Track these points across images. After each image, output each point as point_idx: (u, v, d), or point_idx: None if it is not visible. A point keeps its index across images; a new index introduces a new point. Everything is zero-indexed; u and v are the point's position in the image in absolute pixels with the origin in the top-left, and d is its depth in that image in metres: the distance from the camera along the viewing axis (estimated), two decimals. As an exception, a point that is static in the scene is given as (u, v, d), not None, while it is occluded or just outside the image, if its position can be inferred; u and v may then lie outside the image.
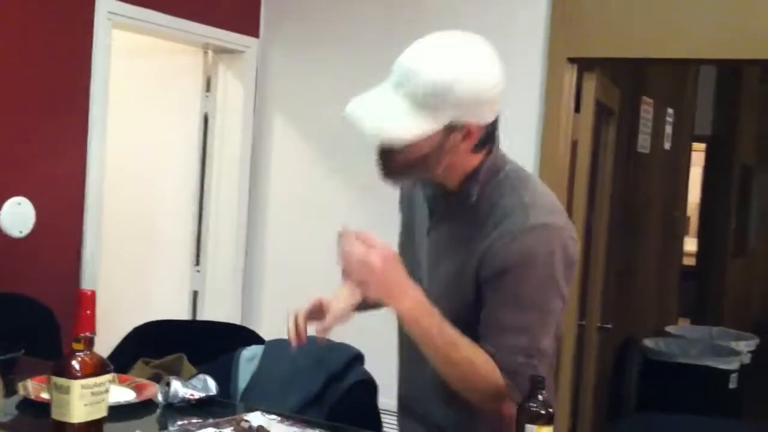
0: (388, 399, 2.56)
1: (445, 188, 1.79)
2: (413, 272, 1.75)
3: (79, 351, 1.73)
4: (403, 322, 1.70)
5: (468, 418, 1.80)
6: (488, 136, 1.74)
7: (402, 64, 1.73)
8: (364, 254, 1.65)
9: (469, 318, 1.71)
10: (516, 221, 1.68)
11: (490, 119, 1.73)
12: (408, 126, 1.66)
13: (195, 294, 4.08)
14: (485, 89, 1.68)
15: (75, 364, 1.71)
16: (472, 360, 1.67)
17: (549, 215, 1.71)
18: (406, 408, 1.98)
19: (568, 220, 1.76)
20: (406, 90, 1.68)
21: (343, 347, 2.45)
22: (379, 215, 2.16)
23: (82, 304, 1.72)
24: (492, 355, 1.67)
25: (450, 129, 1.68)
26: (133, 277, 4.02)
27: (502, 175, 1.77)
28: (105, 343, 2.58)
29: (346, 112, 1.72)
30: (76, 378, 1.71)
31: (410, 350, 1.79)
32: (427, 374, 1.77)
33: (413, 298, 1.68)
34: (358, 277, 1.67)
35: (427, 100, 1.65)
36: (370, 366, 2.49)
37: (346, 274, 1.71)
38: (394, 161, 1.72)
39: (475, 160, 1.76)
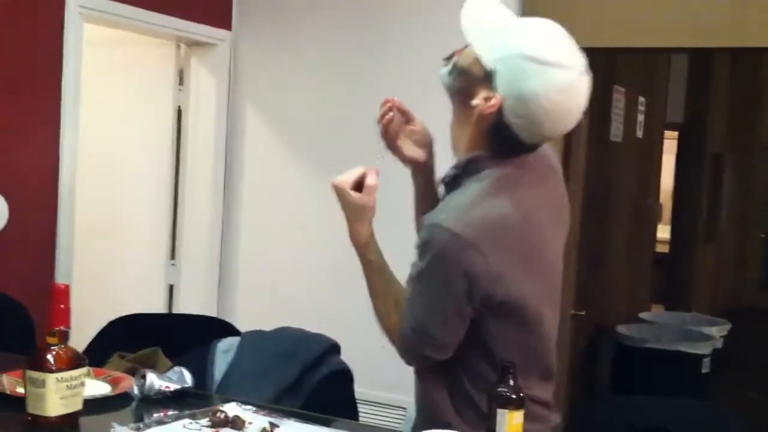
0: (363, 388, 2.59)
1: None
2: None
3: (54, 345, 1.73)
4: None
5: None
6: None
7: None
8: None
9: None
10: (434, 214, 1.78)
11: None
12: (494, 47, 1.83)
13: (171, 287, 4.08)
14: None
15: (50, 357, 1.72)
16: (384, 313, 1.87)
17: (460, 224, 1.72)
18: None
19: (489, 241, 1.73)
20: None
21: (318, 337, 2.47)
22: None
23: (56, 298, 1.73)
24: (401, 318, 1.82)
25: (492, 91, 1.79)
26: (107, 271, 4.01)
27: (480, 174, 1.81)
28: (80, 338, 2.59)
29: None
30: (51, 372, 1.71)
31: None
32: None
33: (358, 237, 1.88)
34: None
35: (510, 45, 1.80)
36: (345, 356, 2.51)
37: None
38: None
39: (473, 142, 1.83)
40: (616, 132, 5.16)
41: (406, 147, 1.98)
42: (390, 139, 1.97)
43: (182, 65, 4.03)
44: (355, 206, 1.89)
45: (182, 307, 4.02)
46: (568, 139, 3.85)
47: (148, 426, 1.79)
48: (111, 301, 3.73)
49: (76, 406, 1.78)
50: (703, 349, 5.23)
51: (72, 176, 3.37)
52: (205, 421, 1.84)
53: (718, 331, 5.63)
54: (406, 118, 1.98)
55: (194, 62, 4.02)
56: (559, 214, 1.97)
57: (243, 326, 2.81)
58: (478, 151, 1.82)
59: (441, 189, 1.93)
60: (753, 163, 9.40)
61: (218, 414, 1.85)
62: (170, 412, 1.87)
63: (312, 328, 2.55)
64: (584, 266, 4.49)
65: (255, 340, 2.40)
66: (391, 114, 1.95)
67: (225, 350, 2.36)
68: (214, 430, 1.80)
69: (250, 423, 1.84)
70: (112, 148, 4.03)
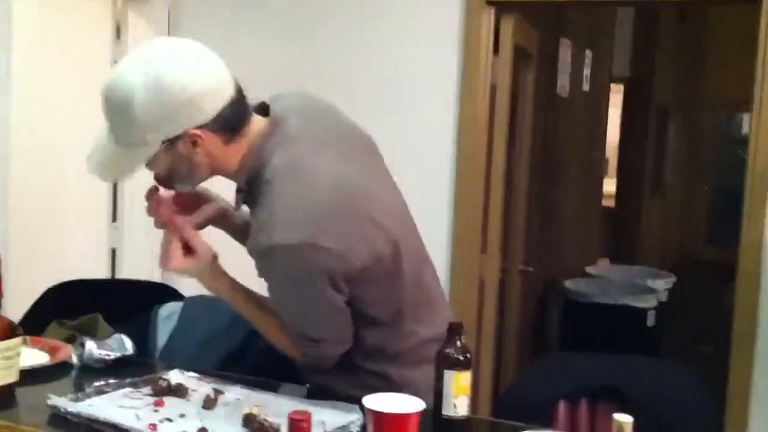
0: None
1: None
2: None
3: (-15, 315, 1.67)
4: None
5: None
6: (226, 128, 1.70)
7: (101, 103, 1.70)
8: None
9: None
10: (254, 241, 1.69)
11: (210, 115, 1.66)
12: (125, 166, 1.72)
13: (113, 251, 3.99)
14: (175, 94, 1.62)
15: (-20, 329, 1.66)
16: (275, 336, 1.86)
17: (282, 234, 1.64)
18: None
19: (318, 229, 1.64)
20: (112, 132, 1.70)
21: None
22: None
23: (-14, 268, 1.67)
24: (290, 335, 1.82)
25: (171, 143, 1.68)
26: (47, 235, 3.89)
27: (264, 179, 1.71)
28: (19, 305, 2.51)
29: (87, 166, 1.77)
30: (-18, 343, 1.66)
31: None
32: None
33: (217, 292, 1.87)
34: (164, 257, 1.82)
35: (123, 136, 1.67)
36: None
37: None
38: (156, 177, 1.78)
39: (238, 152, 1.73)
40: (563, 86, 5.15)
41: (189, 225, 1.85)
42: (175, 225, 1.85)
43: (119, 18, 3.90)
44: (202, 270, 1.82)
45: (126, 271, 3.93)
46: (515, 93, 3.82)
47: (88, 396, 1.75)
48: (51, 267, 3.61)
49: (12, 377, 1.75)
50: (648, 302, 5.31)
51: (5, 136, 3.26)
52: (147, 390, 1.80)
53: (663, 284, 5.71)
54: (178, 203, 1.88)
55: (132, 15, 3.89)
56: (356, 147, 1.86)
57: (188, 291, 2.74)
58: (239, 154, 1.73)
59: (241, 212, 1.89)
60: (699, 116, 9.50)
61: (160, 382, 1.81)
62: (111, 381, 1.83)
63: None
64: (532, 222, 4.50)
65: (198, 305, 2.34)
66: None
67: (167, 316, 2.30)
68: (156, 398, 1.77)
69: (193, 390, 1.81)
70: (48, 107, 3.89)
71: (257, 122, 1.76)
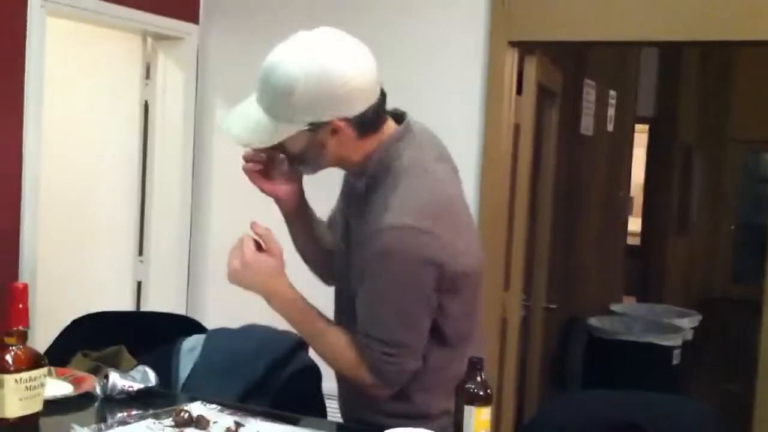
0: (331, 384, 2.57)
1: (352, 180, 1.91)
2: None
3: (12, 345, 1.71)
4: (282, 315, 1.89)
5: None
6: (366, 125, 1.80)
7: (258, 77, 1.82)
8: (242, 257, 1.87)
9: None
10: (378, 221, 1.76)
11: (357, 111, 1.77)
12: (265, 136, 1.80)
13: (139, 284, 4.04)
14: (336, 86, 1.72)
15: (8, 358, 1.70)
16: (336, 356, 1.87)
17: (408, 216, 1.73)
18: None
19: (438, 221, 1.76)
20: (261, 103, 1.79)
21: (285, 334, 2.44)
22: (324, 199, 2.16)
23: (15, 298, 1.71)
24: (362, 349, 1.82)
25: (315, 128, 1.77)
26: (74, 268, 3.95)
27: (393, 170, 1.81)
28: (45, 336, 2.55)
29: (218, 124, 1.82)
30: (9, 372, 1.69)
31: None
32: None
33: (281, 296, 1.88)
34: (233, 271, 1.89)
35: (275, 111, 1.77)
36: (313, 352, 2.49)
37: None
38: (287, 156, 1.87)
39: (366, 148, 1.83)
40: (587, 126, 5.17)
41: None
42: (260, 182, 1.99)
43: (149, 59, 3.98)
44: (275, 269, 1.88)
45: (151, 304, 3.98)
46: (538, 132, 3.85)
47: (110, 427, 1.77)
48: (77, 299, 3.68)
49: (36, 407, 1.76)
50: (674, 340, 5.27)
51: (36, 172, 3.31)
52: (168, 421, 1.82)
53: (688, 322, 5.67)
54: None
55: (161, 56, 3.97)
56: (453, 168, 1.99)
57: (212, 324, 2.78)
58: (367, 149, 1.83)
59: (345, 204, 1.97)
60: (723, 155, 9.47)
61: (182, 413, 1.83)
62: (133, 412, 1.86)
63: (281, 324, 2.52)
64: (556, 259, 4.50)
65: (221, 337, 2.37)
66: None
67: (190, 348, 2.33)
68: (177, 430, 1.78)
69: (214, 422, 1.83)
70: (78, 143, 3.97)
71: (390, 125, 1.87)
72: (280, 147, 1.85)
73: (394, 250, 1.74)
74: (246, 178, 1.99)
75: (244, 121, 1.81)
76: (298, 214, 2.04)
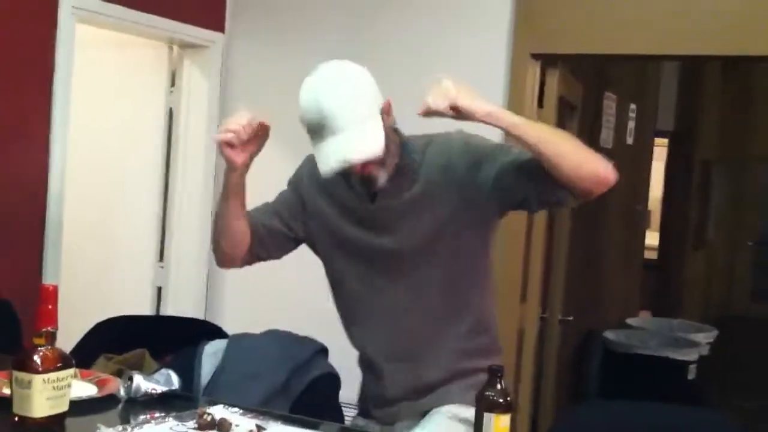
0: (351, 392, 2.59)
1: (371, 181, 2.04)
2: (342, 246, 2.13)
3: (41, 346, 1.73)
4: (500, 119, 1.95)
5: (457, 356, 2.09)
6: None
7: (320, 112, 1.98)
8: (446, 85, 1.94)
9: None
10: (452, 139, 2.09)
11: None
12: (368, 138, 1.95)
13: (159, 289, 4.07)
14: (372, 80, 2.04)
15: (36, 358, 1.72)
16: (565, 133, 2.11)
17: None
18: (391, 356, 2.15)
19: None
20: (341, 123, 1.94)
21: (307, 341, 2.47)
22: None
23: (44, 299, 1.73)
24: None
25: (381, 113, 2.00)
26: (96, 272, 4.00)
27: (414, 141, 2.10)
28: (68, 339, 2.58)
29: (323, 170, 1.99)
30: (37, 372, 1.71)
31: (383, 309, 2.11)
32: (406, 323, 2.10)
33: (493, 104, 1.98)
34: (448, 100, 1.92)
35: (360, 116, 1.95)
36: (333, 360, 2.52)
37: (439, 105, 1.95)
38: (372, 173, 2.01)
39: (395, 140, 2.05)
40: (607, 138, 5.17)
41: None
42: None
43: (174, 67, 4.02)
44: None
45: (170, 309, 4.01)
46: (559, 145, 3.86)
47: (134, 428, 1.79)
48: (99, 303, 3.72)
49: (63, 407, 1.79)
50: (690, 355, 5.25)
51: (62, 177, 3.36)
52: (191, 424, 1.84)
53: (704, 337, 5.65)
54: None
55: (186, 64, 4.02)
56: None
57: (231, 329, 2.81)
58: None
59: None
60: (743, 171, 9.43)
61: (204, 416, 1.85)
62: (156, 414, 1.88)
63: (300, 331, 2.55)
64: (573, 272, 4.50)
65: (243, 342, 2.40)
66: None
67: (212, 353, 2.36)
68: (200, 432, 1.81)
69: (236, 426, 1.85)
70: (102, 149, 4.02)
71: None
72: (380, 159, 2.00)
73: (478, 139, 2.08)
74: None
75: (343, 147, 1.95)
76: (241, 187, 2.22)
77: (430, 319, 2.09)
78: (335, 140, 1.94)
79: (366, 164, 1.98)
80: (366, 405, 2.24)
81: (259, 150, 2.18)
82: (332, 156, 1.95)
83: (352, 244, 2.13)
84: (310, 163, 2.19)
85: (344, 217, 2.15)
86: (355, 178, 2.05)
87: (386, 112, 2.00)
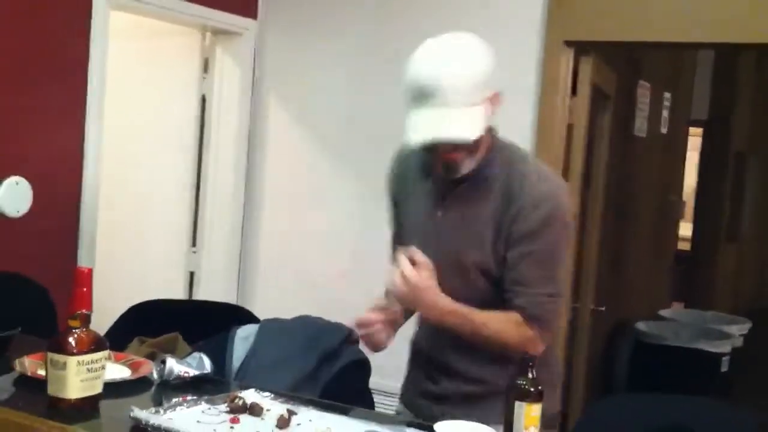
0: (380, 379, 2.60)
1: (451, 168, 1.98)
2: (424, 245, 1.99)
3: (76, 328, 1.75)
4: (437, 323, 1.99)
5: (480, 363, 2.05)
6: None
7: (434, 80, 1.88)
8: (410, 276, 1.92)
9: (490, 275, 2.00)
10: (534, 189, 1.95)
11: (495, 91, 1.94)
12: (469, 126, 1.90)
13: (191, 274, 4.10)
14: (491, 61, 1.94)
15: (71, 340, 1.74)
16: (501, 330, 1.97)
17: (555, 181, 2.02)
18: (419, 357, 2.18)
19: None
20: (445, 98, 1.87)
21: (337, 327, 2.48)
22: (373, 196, 2.20)
23: (79, 282, 1.75)
24: (521, 309, 1.96)
25: (486, 103, 1.92)
26: (130, 257, 4.04)
27: (507, 150, 2.03)
28: (102, 322, 2.60)
29: (412, 141, 1.92)
30: (72, 354, 1.73)
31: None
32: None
33: (441, 308, 1.96)
34: (400, 292, 1.94)
35: (463, 97, 1.88)
36: (363, 346, 2.52)
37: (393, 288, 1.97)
38: (458, 161, 1.96)
39: (488, 136, 1.99)
40: (641, 127, 5.13)
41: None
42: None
43: (207, 54, 4.04)
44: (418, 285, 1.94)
45: (202, 293, 4.04)
46: (591, 133, 3.84)
47: (167, 410, 1.81)
48: (132, 287, 3.75)
49: (97, 389, 1.81)
50: (723, 347, 5.20)
51: (96, 162, 3.40)
52: (223, 407, 1.86)
53: (738, 329, 5.59)
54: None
55: (219, 51, 4.03)
56: None
57: (263, 314, 2.82)
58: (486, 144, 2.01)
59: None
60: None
61: (236, 400, 1.86)
62: (189, 397, 1.89)
63: (331, 317, 2.56)
64: (604, 262, 4.47)
65: (274, 328, 2.41)
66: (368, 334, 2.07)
67: (244, 337, 2.37)
68: (232, 415, 1.82)
69: (268, 410, 1.86)
70: (136, 135, 4.05)
71: None
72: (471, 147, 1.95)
73: (558, 213, 1.96)
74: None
75: (440, 122, 1.89)
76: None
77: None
78: (437, 113, 1.87)
79: (455, 148, 1.93)
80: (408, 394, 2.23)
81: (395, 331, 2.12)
82: (428, 127, 1.89)
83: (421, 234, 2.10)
84: (397, 161, 2.18)
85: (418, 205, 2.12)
86: (438, 162, 2.00)
87: (493, 103, 1.93)
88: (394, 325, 2.10)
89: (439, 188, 2.06)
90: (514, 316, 1.96)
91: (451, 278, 1.98)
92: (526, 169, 1.99)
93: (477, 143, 1.94)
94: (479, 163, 1.98)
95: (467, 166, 1.98)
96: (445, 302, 1.96)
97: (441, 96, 1.87)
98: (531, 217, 1.94)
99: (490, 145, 2.00)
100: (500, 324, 1.97)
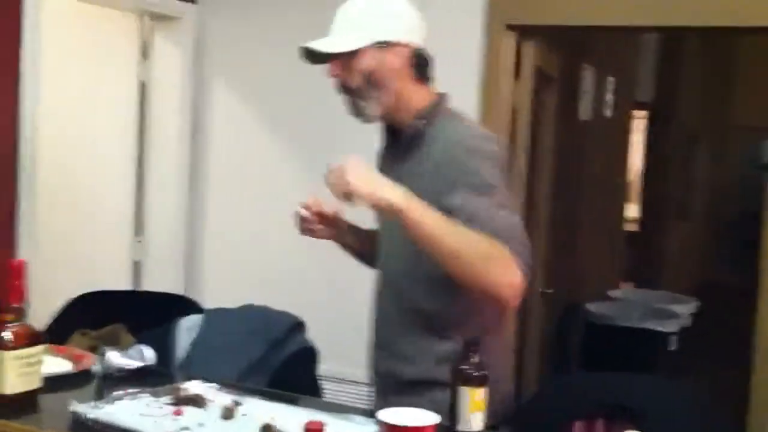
0: (328, 366, 2.59)
1: (397, 129, 2.02)
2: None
3: (10, 322, 1.72)
4: (402, 212, 1.78)
5: (430, 343, 1.99)
6: (421, 68, 2.01)
7: (335, 15, 2.02)
8: (339, 171, 1.80)
9: None
10: (468, 140, 1.94)
11: (416, 42, 2.00)
12: (343, 42, 1.97)
13: (136, 264, 4.04)
14: (402, 9, 2.00)
15: (6, 335, 1.71)
16: (476, 240, 1.79)
17: (489, 134, 2.01)
18: (377, 343, 2.11)
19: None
20: (339, 28, 2.00)
21: (284, 315, 2.46)
22: (322, 179, 2.17)
23: (11, 275, 1.71)
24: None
25: (384, 46, 1.96)
26: (72, 247, 3.96)
27: (449, 114, 2.02)
28: (44, 314, 2.56)
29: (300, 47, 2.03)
30: (7, 349, 1.71)
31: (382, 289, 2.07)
32: (394, 310, 2.03)
33: (399, 191, 1.80)
34: (341, 189, 1.80)
35: (354, 28, 1.97)
36: (311, 334, 2.50)
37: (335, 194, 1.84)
38: (353, 90, 1.98)
39: (420, 98, 2.00)
40: (585, 110, 5.16)
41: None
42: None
43: (145, 38, 3.97)
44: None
45: (148, 284, 3.99)
46: (536, 117, 3.85)
47: (108, 403, 1.77)
48: (76, 278, 3.67)
49: (35, 383, 1.78)
50: (670, 326, 5.28)
51: (32, 150, 3.31)
52: (166, 399, 1.83)
53: (686, 308, 5.68)
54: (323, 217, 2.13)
55: (158, 36, 3.96)
56: None
57: (210, 304, 2.79)
58: (423, 97, 2.03)
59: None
60: (725, 143, 9.45)
61: (180, 392, 1.84)
62: (131, 390, 1.86)
63: (278, 305, 2.53)
64: (553, 244, 4.50)
65: (219, 317, 2.38)
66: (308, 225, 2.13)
67: (188, 327, 2.34)
68: (175, 407, 1.79)
69: (212, 400, 1.83)
70: (75, 122, 3.97)
71: (433, 87, 2.06)
72: (350, 68, 1.96)
73: (485, 149, 1.92)
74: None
75: (327, 40, 2.00)
76: (353, 239, 2.20)
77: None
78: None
79: (334, 65, 1.98)
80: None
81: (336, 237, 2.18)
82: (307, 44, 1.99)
83: None
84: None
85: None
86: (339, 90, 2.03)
87: (393, 52, 1.97)
88: (335, 224, 2.14)
89: (390, 155, 2.09)
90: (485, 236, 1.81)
91: (410, 244, 1.85)
92: (461, 125, 2.00)
93: (369, 78, 1.95)
94: (414, 117, 1.99)
95: (373, 109, 1.99)
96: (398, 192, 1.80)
97: (332, 26, 2.00)
98: (469, 164, 1.88)
99: (429, 103, 2.01)
100: (473, 234, 1.79)
